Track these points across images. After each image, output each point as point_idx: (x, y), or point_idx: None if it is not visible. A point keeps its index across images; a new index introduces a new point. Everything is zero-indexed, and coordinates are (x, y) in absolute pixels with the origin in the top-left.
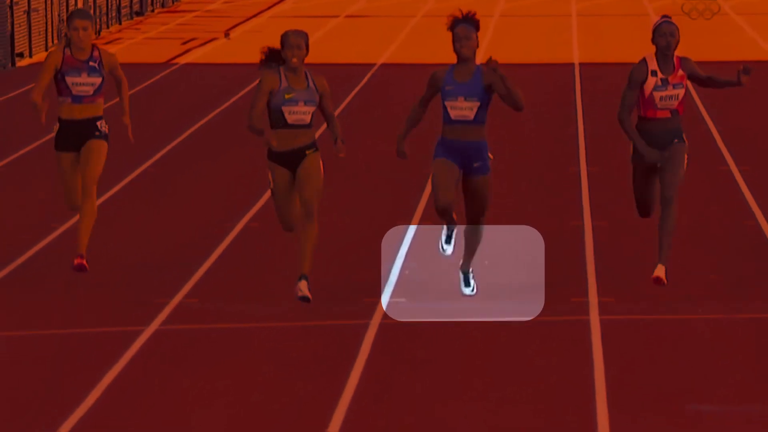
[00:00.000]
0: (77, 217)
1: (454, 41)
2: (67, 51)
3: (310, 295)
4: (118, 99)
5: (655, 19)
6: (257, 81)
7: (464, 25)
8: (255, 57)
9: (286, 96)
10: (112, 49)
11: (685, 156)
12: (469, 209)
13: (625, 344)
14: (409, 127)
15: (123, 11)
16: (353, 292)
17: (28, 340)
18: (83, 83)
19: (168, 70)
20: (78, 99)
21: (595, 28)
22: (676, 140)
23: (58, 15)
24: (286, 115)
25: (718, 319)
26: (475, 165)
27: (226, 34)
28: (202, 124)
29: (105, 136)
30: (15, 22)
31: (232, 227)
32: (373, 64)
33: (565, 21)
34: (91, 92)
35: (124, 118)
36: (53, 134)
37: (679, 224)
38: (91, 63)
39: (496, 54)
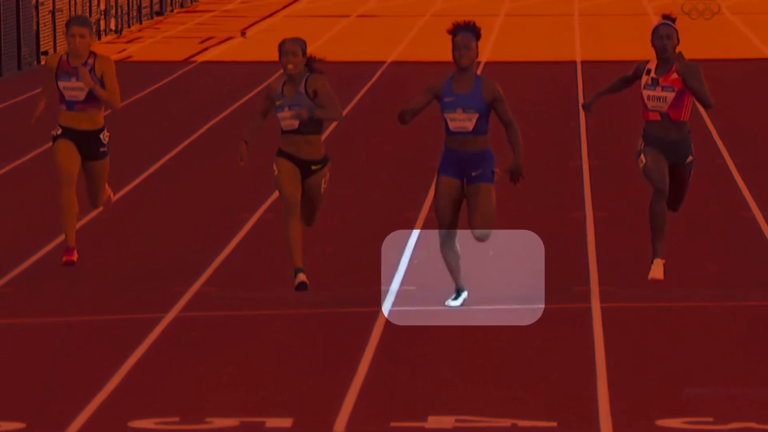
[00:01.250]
0: (95, 211)
1: (453, 50)
2: (64, 57)
3: (307, 281)
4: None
5: (654, 18)
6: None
7: (464, 34)
8: (270, 55)
9: (277, 103)
10: (133, 47)
11: (691, 173)
12: (472, 221)
13: (626, 330)
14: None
15: (144, 11)
16: (361, 283)
17: (53, 327)
18: (73, 87)
19: (186, 68)
20: (71, 105)
21: (596, 27)
22: (689, 158)
23: (82, 14)
24: (280, 123)
25: (715, 307)
26: (474, 174)
27: (243, 33)
28: (219, 119)
29: (107, 152)
30: (40, 22)
31: (248, 218)
32: (383, 62)
33: (568, 20)
34: (82, 97)
35: (95, 88)
36: (54, 133)
37: (676, 218)
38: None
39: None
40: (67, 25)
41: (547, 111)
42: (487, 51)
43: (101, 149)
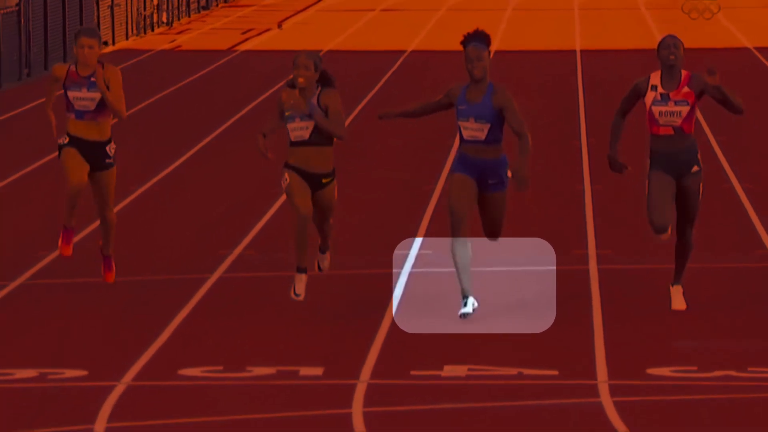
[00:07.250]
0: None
1: (465, 62)
2: (73, 67)
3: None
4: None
5: (645, 12)
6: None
7: (474, 45)
8: (303, 46)
9: (286, 114)
10: (182, 37)
11: (701, 186)
12: (486, 226)
13: (620, 289)
14: (407, 113)
15: (192, 5)
16: (384, 248)
17: (112, 286)
18: (83, 98)
19: (230, 56)
20: (80, 114)
21: (594, 20)
22: (695, 168)
23: (136, 9)
24: (290, 133)
25: (699, 268)
26: (491, 182)
27: (279, 26)
28: (259, 101)
29: (113, 163)
30: (100, 15)
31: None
32: (404, 51)
33: (569, 14)
34: (92, 107)
35: (104, 93)
36: (61, 141)
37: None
38: (92, 78)
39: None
40: (75, 36)
41: (551, 92)
42: (497, 41)
43: (107, 160)
